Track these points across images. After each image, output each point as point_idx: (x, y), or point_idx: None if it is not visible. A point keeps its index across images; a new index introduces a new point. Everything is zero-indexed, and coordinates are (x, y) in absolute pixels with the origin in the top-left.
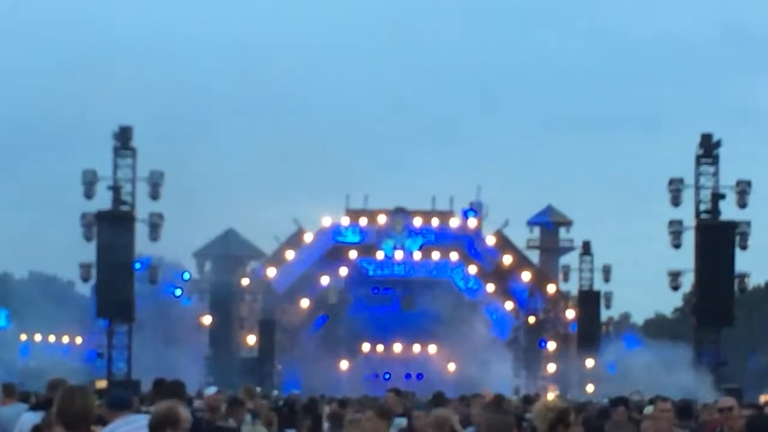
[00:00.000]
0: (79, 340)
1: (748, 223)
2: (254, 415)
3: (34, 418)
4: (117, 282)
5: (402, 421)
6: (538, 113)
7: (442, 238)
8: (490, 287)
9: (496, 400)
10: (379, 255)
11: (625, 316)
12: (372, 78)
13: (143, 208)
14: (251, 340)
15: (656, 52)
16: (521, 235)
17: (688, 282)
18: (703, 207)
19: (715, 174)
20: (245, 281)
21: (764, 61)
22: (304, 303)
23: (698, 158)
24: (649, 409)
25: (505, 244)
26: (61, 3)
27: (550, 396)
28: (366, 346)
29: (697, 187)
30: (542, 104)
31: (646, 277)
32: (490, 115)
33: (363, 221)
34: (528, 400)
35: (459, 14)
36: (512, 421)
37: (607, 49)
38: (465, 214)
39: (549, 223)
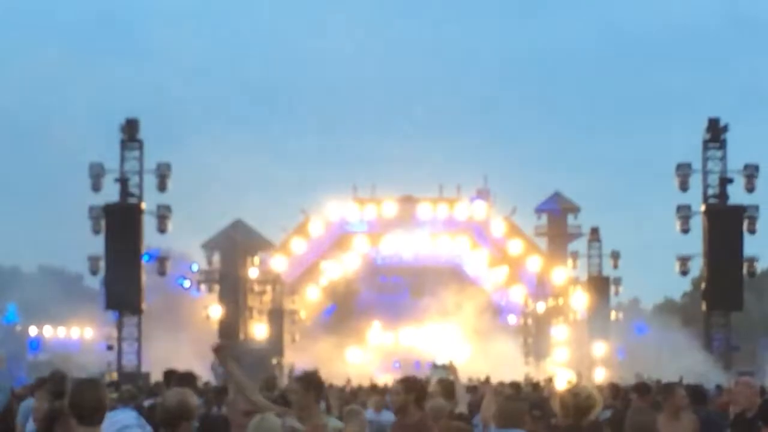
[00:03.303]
0: (88, 333)
1: (757, 207)
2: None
3: None
4: (125, 274)
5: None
6: (544, 100)
7: (450, 226)
8: (499, 274)
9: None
10: (387, 243)
11: (635, 302)
12: (379, 67)
13: (151, 200)
14: (260, 330)
15: (662, 37)
16: (529, 222)
17: (696, 267)
18: (711, 191)
19: (723, 158)
20: (254, 272)
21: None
22: (313, 293)
23: (705, 143)
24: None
25: (513, 231)
26: None
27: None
28: (375, 335)
29: (705, 172)
30: (549, 91)
31: (655, 263)
32: (497, 102)
33: (371, 210)
34: (537, 387)
35: (465, 3)
36: (525, 407)
37: (614, 35)
38: (473, 202)
39: (557, 209)
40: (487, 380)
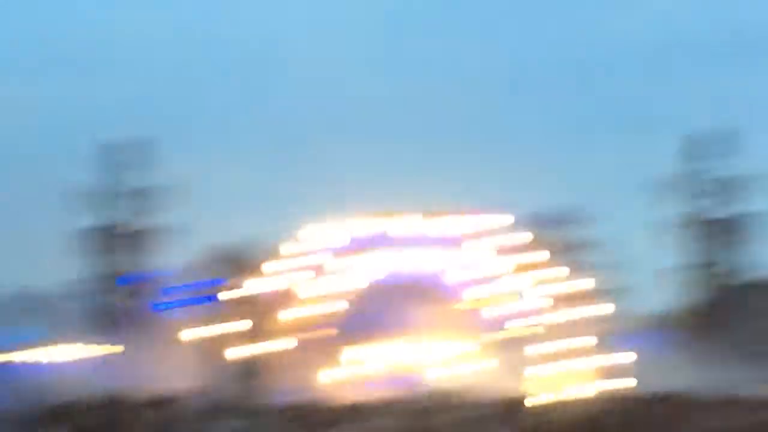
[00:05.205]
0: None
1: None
2: None
3: None
4: (101, 298)
5: None
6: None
7: (428, 242)
8: (479, 291)
9: None
10: (365, 261)
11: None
12: (338, 87)
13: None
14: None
15: (638, 52)
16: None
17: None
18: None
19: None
20: (230, 294)
21: (751, 60)
22: (290, 314)
23: (682, 158)
24: None
25: (493, 247)
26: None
27: None
28: (354, 353)
29: (682, 187)
30: (506, 113)
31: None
32: (464, 118)
33: (346, 228)
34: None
35: (423, 19)
36: None
37: (587, 49)
38: (450, 217)
39: (536, 224)
40: None
